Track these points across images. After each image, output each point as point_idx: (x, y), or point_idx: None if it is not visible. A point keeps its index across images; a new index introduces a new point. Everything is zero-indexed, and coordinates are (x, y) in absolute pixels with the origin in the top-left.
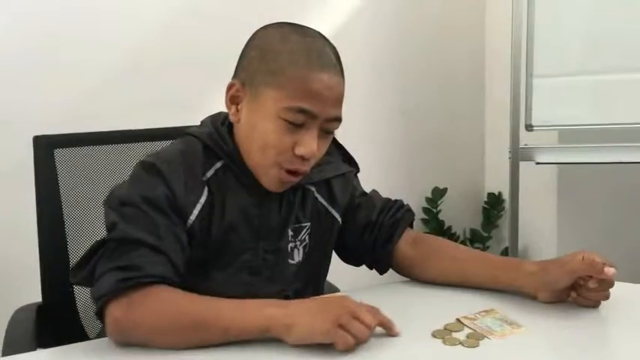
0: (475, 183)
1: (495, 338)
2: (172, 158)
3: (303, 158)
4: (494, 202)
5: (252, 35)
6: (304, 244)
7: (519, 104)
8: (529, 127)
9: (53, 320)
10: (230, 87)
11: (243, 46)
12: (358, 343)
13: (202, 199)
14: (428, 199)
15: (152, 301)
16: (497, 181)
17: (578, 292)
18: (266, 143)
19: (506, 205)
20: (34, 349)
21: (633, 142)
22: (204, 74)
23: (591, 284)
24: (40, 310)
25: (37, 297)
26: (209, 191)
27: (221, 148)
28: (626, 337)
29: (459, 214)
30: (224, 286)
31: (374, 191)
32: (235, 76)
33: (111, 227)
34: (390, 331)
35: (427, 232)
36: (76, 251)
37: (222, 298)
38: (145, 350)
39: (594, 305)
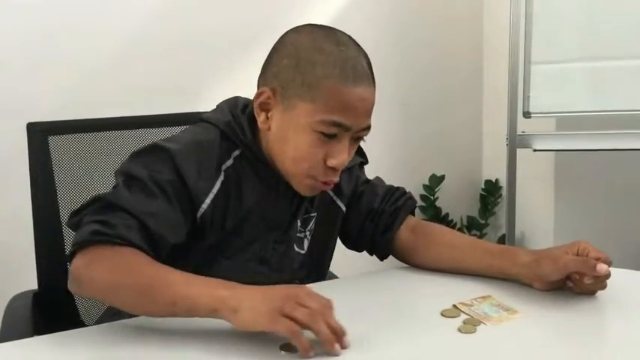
0: (472, 170)
1: (492, 324)
2: (187, 145)
3: (334, 169)
4: (491, 190)
5: (282, 39)
6: (311, 233)
7: (517, 91)
8: (527, 114)
9: (49, 307)
10: (260, 94)
11: (271, 49)
12: (309, 329)
13: (215, 188)
14: (425, 187)
15: (112, 259)
16: (494, 169)
17: (573, 282)
18: (299, 155)
19: (504, 192)
20: (31, 336)
21: (630, 129)
22: (201, 60)
23: (586, 280)
24: (37, 297)
25: (33, 284)
26: (225, 179)
27: (239, 137)
28: (621, 323)
29: (456, 201)
30: (232, 273)
31: (377, 178)
32: (265, 82)
33: (112, 188)
34: (330, 342)
35: (424, 220)
36: (71, 238)
37: (176, 270)
38: (142, 337)
39: (590, 293)
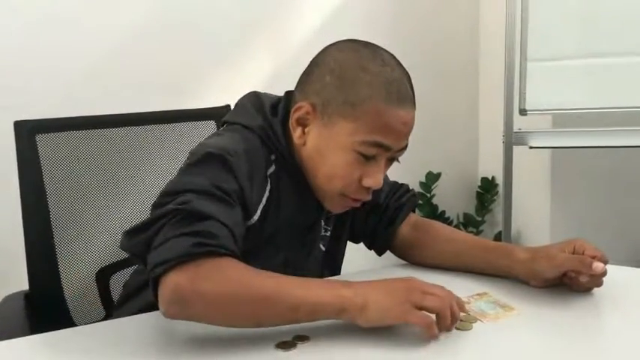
0: (469, 167)
1: (488, 321)
2: (238, 154)
3: (368, 188)
4: (487, 187)
5: (324, 54)
6: (329, 231)
7: (513, 88)
8: (523, 112)
9: (41, 307)
10: (298, 109)
11: (310, 64)
12: (440, 315)
13: (264, 199)
14: (422, 184)
15: (221, 272)
16: (490, 166)
17: (570, 280)
18: (334, 173)
19: (500, 189)
20: (23, 337)
21: (626, 126)
22: (194, 58)
23: (582, 279)
24: (28, 297)
25: (24, 285)
26: (272, 187)
27: (273, 143)
28: (617, 320)
29: (452, 198)
30: None
31: None
32: (304, 96)
33: (179, 203)
34: (448, 324)
35: (421, 217)
36: (61, 238)
37: (287, 276)
38: (135, 336)
39: (586, 290)
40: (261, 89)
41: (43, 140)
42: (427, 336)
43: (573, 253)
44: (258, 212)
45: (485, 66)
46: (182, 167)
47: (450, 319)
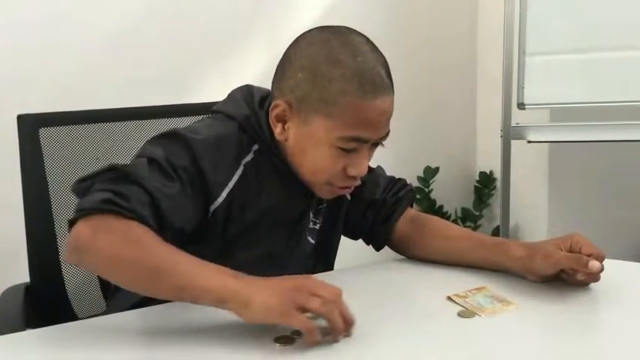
0: (467, 162)
1: (486, 315)
2: (207, 138)
3: (354, 177)
4: (485, 181)
5: (296, 49)
6: (320, 224)
7: (511, 82)
8: (521, 106)
9: (42, 301)
10: (275, 107)
11: (282, 57)
12: (324, 318)
13: (232, 183)
14: (420, 178)
15: (121, 232)
16: (488, 160)
17: (567, 275)
18: (318, 168)
19: (498, 183)
20: (23, 330)
21: (624, 120)
22: (195, 52)
23: (579, 277)
24: (29, 290)
25: (25, 277)
26: (244, 174)
27: (257, 135)
28: (614, 314)
29: (450, 193)
30: (245, 266)
31: (379, 167)
32: (280, 93)
33: (121, 165)
34: (340, 332)
35: (419, 211)
36: (63, 231)
37: (187, 254)
38: (135, 331)
39: (584, 285)
40: (259, 84)
41: (45, 134)
42: (308, 340)
43: (570, 250)
44: (224, 195)
45: (483, 60)
46: (154, 136)
47: (338, 323)
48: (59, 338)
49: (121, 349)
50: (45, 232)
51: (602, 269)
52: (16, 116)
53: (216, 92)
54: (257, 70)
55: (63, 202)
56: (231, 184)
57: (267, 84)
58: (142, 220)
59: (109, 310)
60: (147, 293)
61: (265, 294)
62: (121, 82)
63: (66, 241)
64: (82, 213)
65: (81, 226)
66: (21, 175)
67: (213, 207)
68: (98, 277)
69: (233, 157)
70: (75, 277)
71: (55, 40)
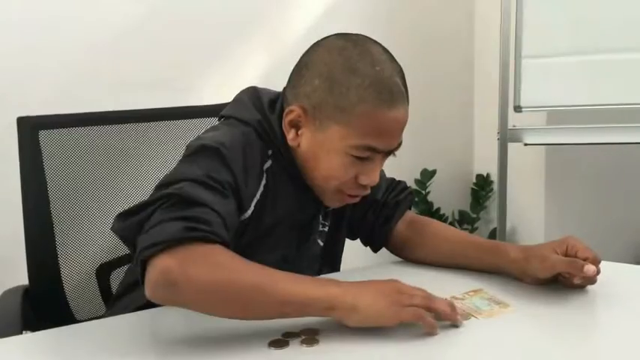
0: (464, 164)
1: (483, 318)
2: (233, 147)
3: (365, 186)
4: (482, 184)
5: (313, 54)
6: (328, 226)
7: (508, 85)
8: (518, 109)
9: (40, 303)
10: (290, 112)
11: (299, 63)
12: (430, 311)
13: (259, 193)
14: (417, 181)
15: (212, 259)
16: (485, 163)
17: (563, 279)
18: (331, 175)
19: (495, 186)
20: (21, 333)
21: (620, 123)
22: (193, 54)
23: (575, 280)
24: (27, 292)
25: (23, 280)
26: (267, 182)
27: (270, 138)
28: (612, 316)
29: (447, 195)
30: None
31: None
32: (295, 98)
33: (173, 189)
34: (454, 314)
35: (416, 214)
36: (62, 234)
37: (276, 270)
38: (132, 334)
39: (580, 288)
40: (258, 85)
41: (45, 136)
42: (426, 328)
43: (566, 253)
44: (252, 207)
45: (480, 63)
46: (179, 160)
47: (445, 309)
48: (58, 341)
49: (119, 351)
50: (44, 234)
51: (598, 272)
52: (15, 118)
53: (214, 95)
54: (254, 72)
55: (62, 205)
56: (258, 195)
57: (267, 85)
58: (224, 243)
59: (107, 314)
60: (249, 316)
61: (369, 298)
62: (120, 84)
63: (146, 278)
64: (160, 247)
65: (165, 260)
66: (20, 176)
67: (243, 217)
68: (97, 280)
69: (258, 164)
70: (73, 280)
71: (55, 42)
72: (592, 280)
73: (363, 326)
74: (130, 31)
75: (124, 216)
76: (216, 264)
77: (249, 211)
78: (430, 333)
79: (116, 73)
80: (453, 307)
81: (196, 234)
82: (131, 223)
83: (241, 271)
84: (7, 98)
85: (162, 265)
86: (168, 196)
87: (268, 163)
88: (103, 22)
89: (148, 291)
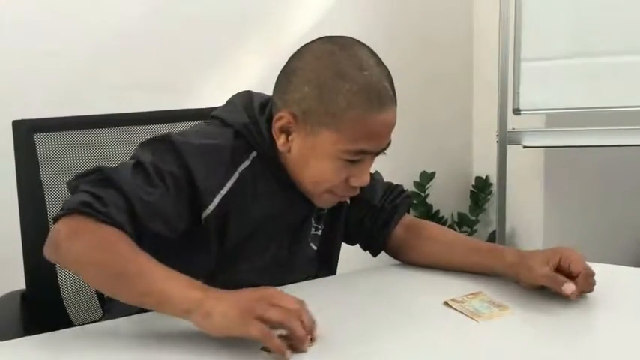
0: (463, 167)
1: (482, 320)
2: (200, 144)
3: (355, 187)
4: (481, 186)
5: (301, 59)
6: (322, 230)
7: (507, 88)
8: (517, 111)
9: (37, 307)
10: (279, 118)
11: (285, 68)
12: (283, 327)
13: (224, 190)
14: (416, 184)
15: (95, 235)
16: (484, 165)
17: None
18: (322, 179)
19: (494, 188)
20: (19, 337)
21: (620, 126)
22: (191, 57)
23: (563, 294)
24: (24, 297)
25: (20, 284)
26: (240, 181)
27: (256, 142)
28: (611, 319)
29: (446, 198)
30: (250, 276)
31: (377, 173)
32: (284, 104)
33: (110, 167)
34: (302, 340)
35: (415, 217)
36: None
37: (156, 261)
38: (128, 338)
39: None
40: (256, 88)
41: (41, 139)
42: (271, 346)
43: (559, 264)
44: (215, 202)
45: (479, 66)
46: (147, 139)
47: (297, 331)
48: (55, 345)
49: (116, 355)
50: (40, 238)
51: (593, 283)
52: (11, 121)
53: (212, 98)
54: (253, 75)
55: (59, 208)
56: (224, 191)
57: (263, 89)
58: (117, 226)
59: (105, 317)
60: (113, 296)
61: (226, 305)
62: (116, 87)
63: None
64: (63, 212)
65: (61, 224)
66: (16, 180)
67: (204, 214)
68: None
69: (227, 163)
70: (70, 284)
71: (51, 45)
72: (587, 288)
73: (220, 335)
74: (127, 35)
75: (75, 177)
76: (99, 243)
77: (212, 207)
78: (279, 356)
79: (113, 76)
80: (311, 331)
81: (87, 210)
82: (71, 185)
83: (117, 255)
84: (6, 100)
85: (56, 229)
86: (99, 172)
87: (246, 163)
88: (100, 26)
89: (45, 249)
